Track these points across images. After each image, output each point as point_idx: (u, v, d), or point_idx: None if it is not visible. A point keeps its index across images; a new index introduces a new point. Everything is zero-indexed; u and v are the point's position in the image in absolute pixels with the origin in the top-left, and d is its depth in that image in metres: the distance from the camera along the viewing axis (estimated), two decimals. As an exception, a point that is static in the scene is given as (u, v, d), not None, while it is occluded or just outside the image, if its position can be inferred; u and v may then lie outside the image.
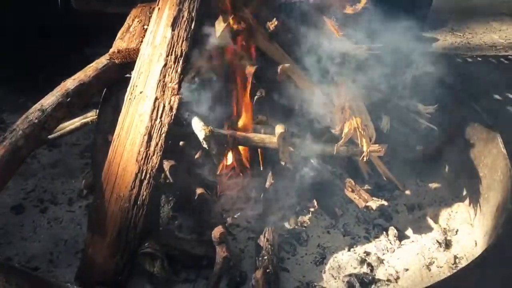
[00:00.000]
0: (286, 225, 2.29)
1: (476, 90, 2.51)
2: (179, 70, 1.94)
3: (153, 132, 1.87)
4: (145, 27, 2.17)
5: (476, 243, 2.21)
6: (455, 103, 2.50)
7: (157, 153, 1.85)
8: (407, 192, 2.54)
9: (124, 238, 1.82)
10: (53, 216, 2.33)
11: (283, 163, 2.12)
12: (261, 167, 2.34)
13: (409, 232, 2.29)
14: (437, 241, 2.22)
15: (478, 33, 4.71)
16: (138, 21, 2.26)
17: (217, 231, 1.87)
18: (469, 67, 2.62)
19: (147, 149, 1.85)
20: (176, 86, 1.91)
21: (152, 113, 1.89)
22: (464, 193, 2.46)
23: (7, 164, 1.92)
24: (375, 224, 2.31)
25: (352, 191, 2.21)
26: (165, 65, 1.94)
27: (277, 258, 2.01)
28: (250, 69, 2.15)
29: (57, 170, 2.65)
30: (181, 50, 1.95)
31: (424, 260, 2.14)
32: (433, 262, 2.13)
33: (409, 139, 2.34)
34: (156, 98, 1.90)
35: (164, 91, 1.91)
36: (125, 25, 2.28)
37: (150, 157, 1.85)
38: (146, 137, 1.86)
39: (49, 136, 2.28)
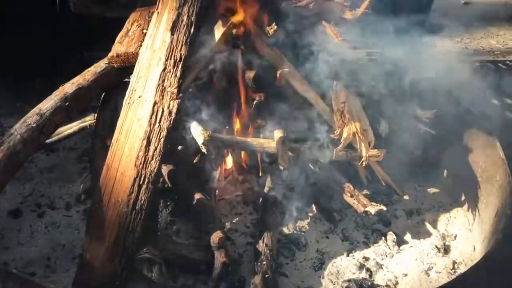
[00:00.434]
0: (285, 230, 2.28)
1: (474, 95, 2.51)
2: (178, 74, 1.93)
3: (152, 137, 1.86)
4: (144, 31, 2.16)
5: (474, 248, 2.21)
6: (453, 108, 2.51)
7: (155, 158, 1.84)
8: (406, 197, 2.54)
9: (122, 243, 1.81)
10: (50, 221, 2.32)
11: (282, 167, 2.11)
12: (260, 172, 2.34)
13: (407, 237, 2.29)
14: (436, 246, 2.22)
15: (476, 38, 4.72)
16: (137, 25, 2.26)
17: (216, 236, 1.86)
18: (468, 72, 2.62)
19: (146, 153, 1.84)
20: (175, 90, 1.91)
21: (151, 118, 1.88)
22: (463, 198, 2.46)
23: (5, 168, 1.91)
24: (374, 229, 2.31)
25: (351, 196, 2.22)
26: (164, 69, 1.94)
27: (275, 263, 2.00)
28: (249, 74, 2.16)
29: (55, 175, 2.64)
30: (180, 54, 1.95)
31: (423, 265, 2.14)
32: (432, 268, 2.13)
33: (407, 144, 2.34)
34: (155, 103, 1.90)
35: (163, 96, 1.91)
36: (124, 29, 2.28)
37: (148, 162, 1.84)
38: (144, 142, 1.85)
39: (47, 140, 2.27)
